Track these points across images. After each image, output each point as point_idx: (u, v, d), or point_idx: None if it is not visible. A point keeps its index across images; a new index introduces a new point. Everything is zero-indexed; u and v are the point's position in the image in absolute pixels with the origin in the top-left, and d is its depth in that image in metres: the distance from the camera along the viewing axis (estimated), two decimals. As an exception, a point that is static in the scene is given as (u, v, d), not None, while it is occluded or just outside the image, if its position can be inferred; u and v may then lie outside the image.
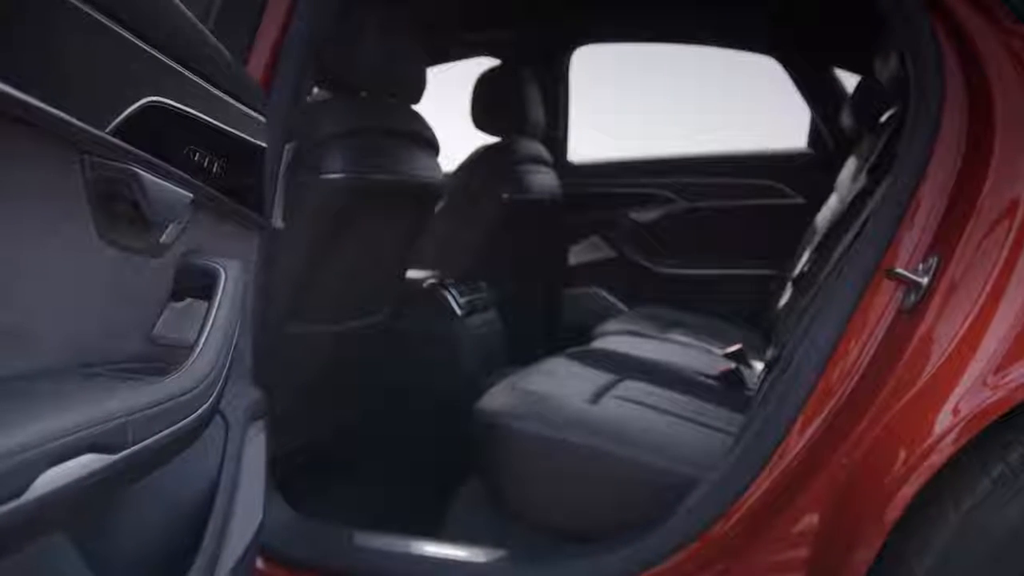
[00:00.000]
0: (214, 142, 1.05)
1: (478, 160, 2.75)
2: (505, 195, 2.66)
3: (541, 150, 2.94)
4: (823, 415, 1.26)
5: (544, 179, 2.87)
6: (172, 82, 0.92)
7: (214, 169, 1.05)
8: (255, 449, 1.19)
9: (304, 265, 1.74)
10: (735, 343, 2.47)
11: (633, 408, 1.73)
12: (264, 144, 1.24)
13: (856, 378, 1.24)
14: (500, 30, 3.14)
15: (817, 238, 2.30)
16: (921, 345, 1.18)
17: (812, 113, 3.13)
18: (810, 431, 1.26)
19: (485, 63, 2.98)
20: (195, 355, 0.90)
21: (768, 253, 2.99)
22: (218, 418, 1.07)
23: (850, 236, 1.46)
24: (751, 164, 3.22)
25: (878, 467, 1.17)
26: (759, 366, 2.44)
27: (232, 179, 1.13)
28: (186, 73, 0.96)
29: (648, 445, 1.54)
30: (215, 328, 0.94)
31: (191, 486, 1.02)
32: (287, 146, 1.52)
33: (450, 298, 2.43)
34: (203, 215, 1.08)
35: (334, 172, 1.71)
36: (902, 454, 1.14)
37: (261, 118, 1.23)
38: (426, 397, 2.24)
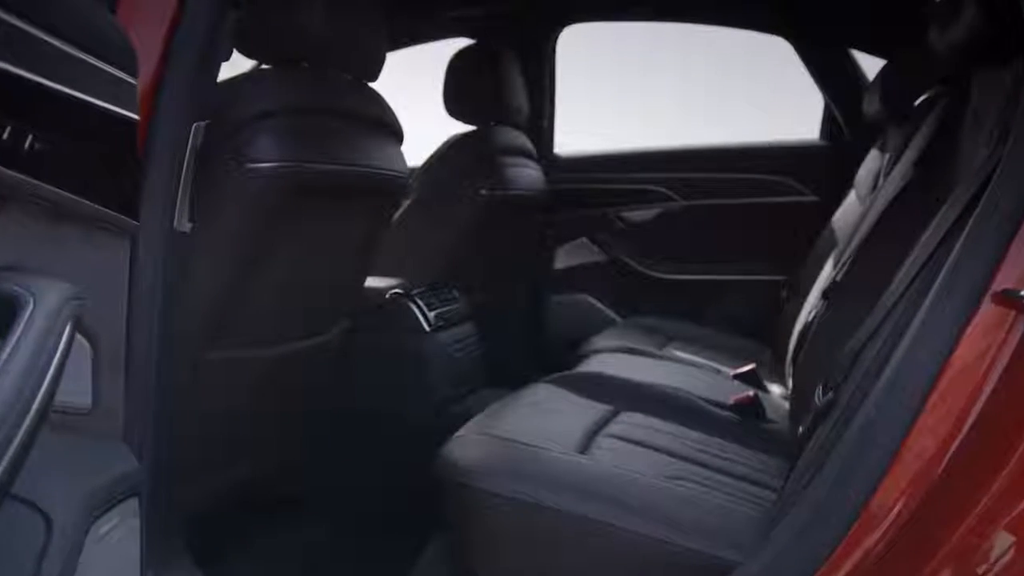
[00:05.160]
0: (26, 106, 0.71)
1: (451, 151, 2.52)
2: (482, 190, 2.44)
3: (524, 141, 2.74)
4: (909, 494, 0.92)
5: (527, 173, 2.67)
6: None
7: (27, 145, 0.71)
8: (115, 547, 0.85)
9: (227, 277, 1.46)
10: (743, 360, 2.27)
11: (634, 454, 1.43)
12: (134, 115, 0.92)
13: (958, 443, 0.90)
14: (479, 6, 2.93)
15: (846, 243, 1.98)
16: None
17: (826, 100, 2.92)
18: (892, 515, 0.92)
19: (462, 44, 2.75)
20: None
21: (776, 257, 2.83)
22: (35, 518, 0.72)
23: (926, 245, 1.13)
24: (757, 157, 3.02)
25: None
26: (776, 389, 2.19)
27: (73, 163, 0.80)
28: None
29: (655, 511, 1.21)
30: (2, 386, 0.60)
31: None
32: (197, 125, 1.21)
33: (417, 311, 2.23)
34: (19, 216, 0.74)
35: (265, 160, 1.42)
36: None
37: (129, 79, 0.90)
38: (387, 431, 2.02)
